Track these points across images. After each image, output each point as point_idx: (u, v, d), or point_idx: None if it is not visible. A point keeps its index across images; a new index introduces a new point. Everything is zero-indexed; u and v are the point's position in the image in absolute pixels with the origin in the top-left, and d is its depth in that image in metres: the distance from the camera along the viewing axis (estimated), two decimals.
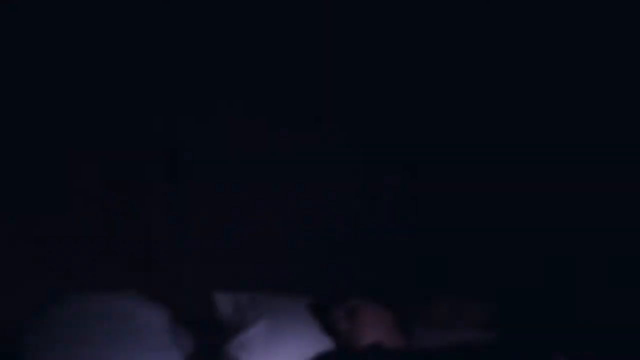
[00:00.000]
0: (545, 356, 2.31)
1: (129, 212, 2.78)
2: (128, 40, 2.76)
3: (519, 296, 2.77)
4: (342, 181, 2.98)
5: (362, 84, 2.99)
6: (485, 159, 2.95)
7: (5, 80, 2.64)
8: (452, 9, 2.95)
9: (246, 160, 2.88)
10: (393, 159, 3.02)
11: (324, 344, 2.42)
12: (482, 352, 2.35)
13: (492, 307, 2.66)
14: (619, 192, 2.64)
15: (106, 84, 2.75)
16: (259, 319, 2.45)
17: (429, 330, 2.54)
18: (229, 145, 2.88)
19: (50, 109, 2.70)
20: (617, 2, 2.61)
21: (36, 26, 2.66)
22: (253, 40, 2.88)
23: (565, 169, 2.77)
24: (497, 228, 2.89)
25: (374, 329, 2.36)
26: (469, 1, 2.93)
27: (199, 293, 2.73)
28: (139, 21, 2.76)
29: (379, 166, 3.02)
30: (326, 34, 2.91)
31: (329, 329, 2.48)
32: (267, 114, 2.92)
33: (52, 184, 2.71)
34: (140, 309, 2.47)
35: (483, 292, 2.71)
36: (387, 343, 2.32)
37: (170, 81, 2.82)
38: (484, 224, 2.93)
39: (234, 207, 2.89)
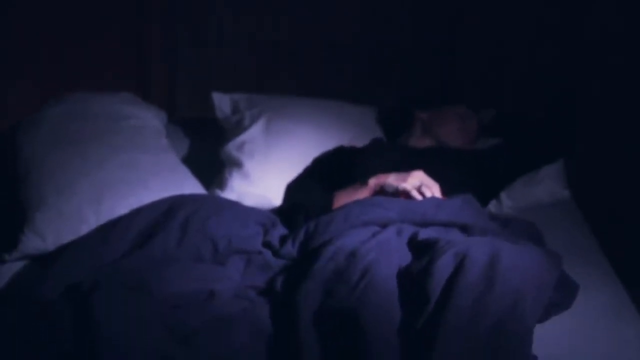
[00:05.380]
0: (548, 157, 2.31)
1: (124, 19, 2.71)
2: None
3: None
4: None
5: None
6: None
7: None
8: None
9: None
10: None
11: (327, 143, 2.37)
12: (489, 154, 2.35)
13: (493, 113, 2.60)
14: None
15: None
16: (258, 119, 2.40)
17: None
18: None
19: None
20: None
21: None
22: None
23: None
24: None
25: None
26: None
27: (197, 94, 2.70)
28: None
29: None
30: None
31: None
32: None
33: None
34: (136, 110, 2.44)
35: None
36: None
37: None
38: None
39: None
